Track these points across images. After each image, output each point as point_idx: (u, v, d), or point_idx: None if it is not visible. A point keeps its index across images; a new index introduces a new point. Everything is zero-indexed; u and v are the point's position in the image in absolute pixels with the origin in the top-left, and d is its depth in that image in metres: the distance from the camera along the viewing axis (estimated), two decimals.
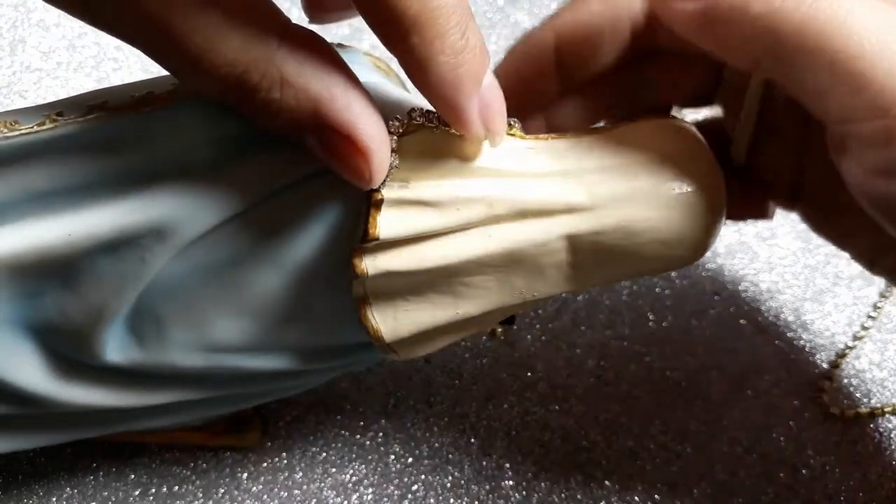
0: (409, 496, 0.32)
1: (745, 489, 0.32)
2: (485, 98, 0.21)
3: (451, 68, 0.20)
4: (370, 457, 0.32)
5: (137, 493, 0.31)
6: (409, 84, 0.22)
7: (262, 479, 0.32)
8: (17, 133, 0.22)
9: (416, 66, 0.20)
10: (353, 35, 0.43)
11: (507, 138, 0.23)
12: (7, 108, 0.40)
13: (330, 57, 0.21)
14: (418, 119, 0.22)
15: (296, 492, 0.32)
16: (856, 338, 0.35)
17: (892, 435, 0.33)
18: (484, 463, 0.32)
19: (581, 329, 0.35)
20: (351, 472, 0.32)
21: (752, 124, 0.25)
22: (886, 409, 0.34)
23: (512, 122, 0.23)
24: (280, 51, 0.20)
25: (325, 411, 0.33)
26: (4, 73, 0.41)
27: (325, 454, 0.32)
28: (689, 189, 0.23)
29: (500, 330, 0.35)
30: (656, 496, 0.32)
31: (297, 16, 0.23)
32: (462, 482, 0.32)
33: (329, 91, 0.20)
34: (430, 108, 0.22)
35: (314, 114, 0.20)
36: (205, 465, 0.32)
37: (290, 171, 0.22)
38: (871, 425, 0.34)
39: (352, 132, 0.20)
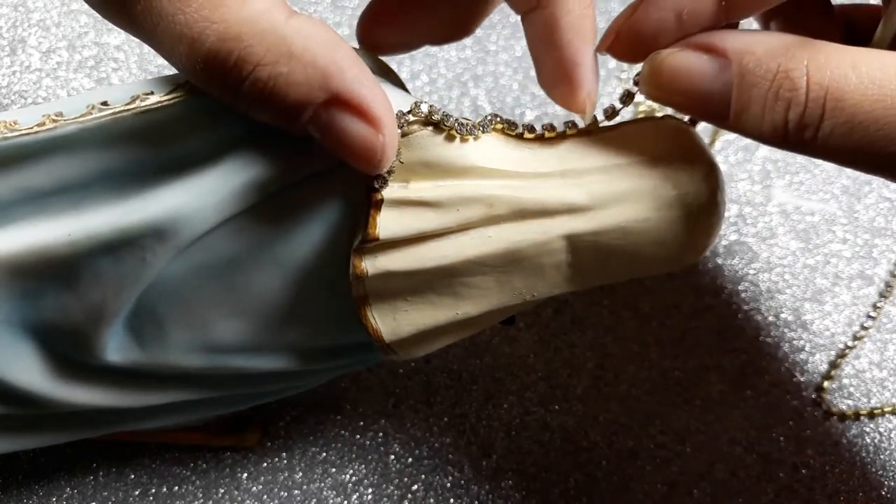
0: (409, 496, 0.32)
1: (745, 489, 0.32)
2: (594, 64, 0.23)
3: (580, 15, 0.22)
4: (370, 457, 0.32)
5: (137, 493, 0.31)
6: (408, 85, 0.22)
7: (262, 479, 0.32)
8: (16, 133, 0.22)
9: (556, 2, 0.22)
10: (352, 36, 0.43)
11: (507, 138, 0.23)
12: (7, 108, 0.40)
13: (335, 37, 0.20)
14: (420, 114, 0.22)
15: (296, 492, 0.32)
16: (856, 338, 0.35)
17: (892, 435, 0.33)
18: (484, 463, 0.32)
19: (581, 329, 0.35)
20: (351, 472, 0.32)
21: None
22: (886, 409, 0.34)
23: (513, 123, 0.23)
24: (287, 27, 0.20)
25: (325, 411, 0.33)
26: (4, 73, 0.41)
27: (325, 454, 0.32)
28: (688, 190, 0.23)
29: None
30: (656, 496, 0.32)
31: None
32: (462, 482, 0.32)
33: (337, 65, 0.20)
34: (430, 107, 0.22)
35: (324, 86, 0.20)
36: (205, 465, 0.32)
37: (290, 172, 0.22)
38: (871, 425, 0.34)
39: (363, 102, 0.20)
